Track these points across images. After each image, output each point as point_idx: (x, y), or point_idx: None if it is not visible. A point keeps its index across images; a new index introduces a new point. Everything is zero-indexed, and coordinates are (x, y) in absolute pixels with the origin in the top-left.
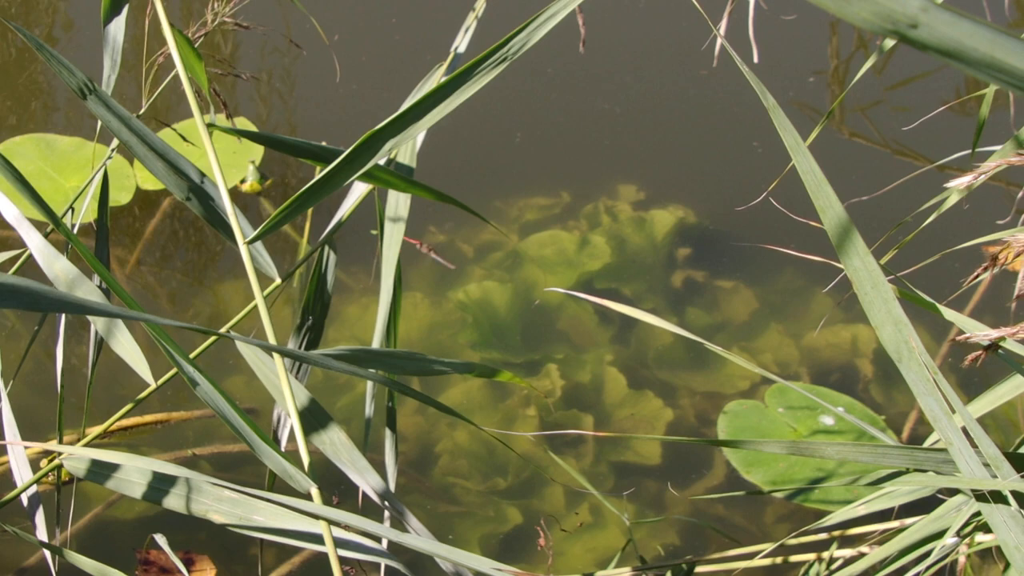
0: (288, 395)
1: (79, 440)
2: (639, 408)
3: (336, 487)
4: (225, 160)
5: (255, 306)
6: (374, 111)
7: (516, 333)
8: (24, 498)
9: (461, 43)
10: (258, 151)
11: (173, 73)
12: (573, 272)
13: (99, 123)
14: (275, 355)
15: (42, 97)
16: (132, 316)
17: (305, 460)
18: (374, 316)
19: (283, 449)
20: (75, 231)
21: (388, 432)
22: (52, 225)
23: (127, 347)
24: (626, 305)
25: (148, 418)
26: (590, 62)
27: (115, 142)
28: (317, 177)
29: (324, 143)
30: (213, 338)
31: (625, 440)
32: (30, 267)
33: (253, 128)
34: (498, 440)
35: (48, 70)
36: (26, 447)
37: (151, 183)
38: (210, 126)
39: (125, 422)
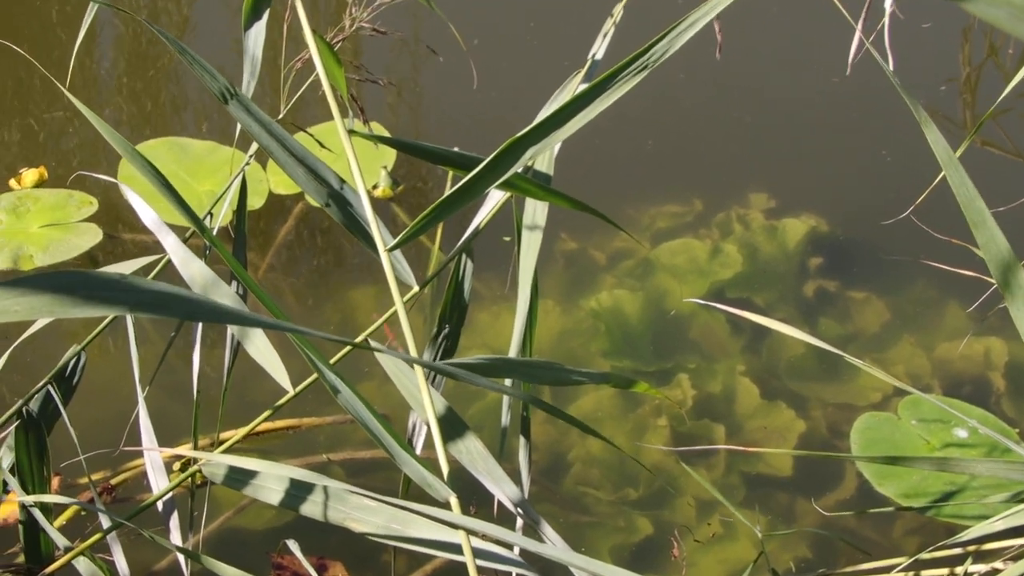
0: (428, 405)
1: (212, 445)
2: (771, 419)
3: (468, 495)
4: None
5: (392, 313)
6: (505, 116)
7: (647, 342)
8: (159, 503)
9: (599, 50)
10: (390, 157)
11: (312, 77)
12: (705, 281)
13: (237, 127)
14: (415, 365)
15: (170, 88)
16: (284, 327)
17: (444, 469)
18: (505, 323)
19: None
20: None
21: (523, 441)
22: (191, 230)
23: (265, 354)
24: (758, 315)
25: (280, 423)
26: (721, 68)
27: (253, 148)
28: (459, 184)
29: (456, 149)
30: (356, 341)
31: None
32: (164, 272)
33: (386, 133)
34: (629, 452)
35: (177, 66)
36: (163, 453)
37: (283, 187)
38: (351, 132)
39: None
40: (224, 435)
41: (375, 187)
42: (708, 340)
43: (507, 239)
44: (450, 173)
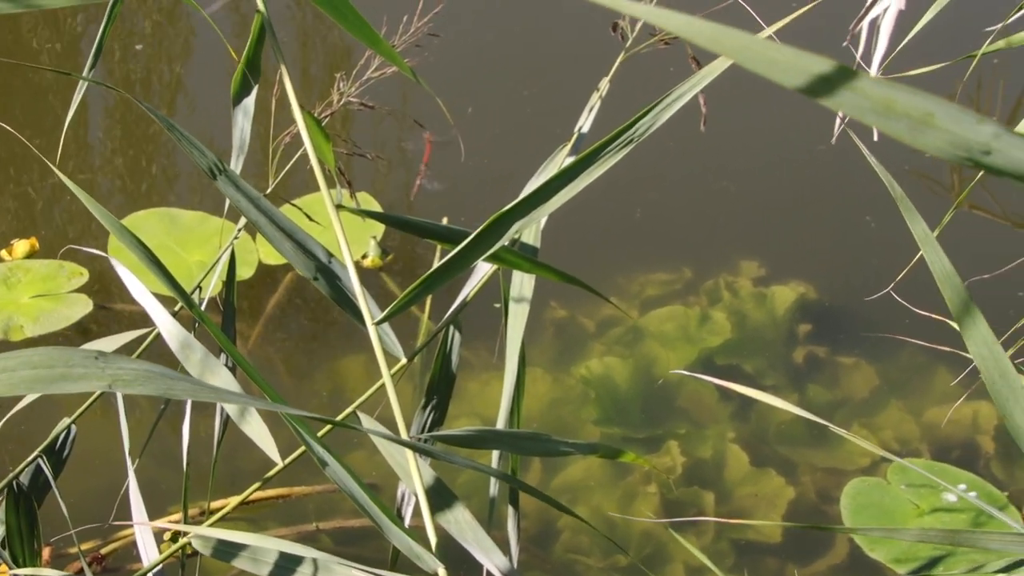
0: (416, 478)
1: (202, 514)
2: (760, 486)
3: (457, 565)
4: (347, 235)
5: (380, 385)
6: (501, 183)
7: (637, 409)
8: (149, 575)
9: (585, 123)
10: (379, 226)
11: (300, 152)
12: (694, 348)
13: (227, 201)
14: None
15: (161, 157)
16: (268, 407)
17: (432, 540)
18: (494, 392)
19: (407, 526)
20: (201, 308)
21: (511, 510)
22: (180, 303)
23: (255, 427)
24: (747, 383)
25: (270, 493)
26: (709, 137)
27: (242, 221)
28: (445, 259)
29: (445, 219)
30: (340, 418)
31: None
32: (155, 344)
33: (375, 203)
34: (618, 519)
35: (166, 136)
36: (152, 526)
37: (273, 258)
38: (339, 207)
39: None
40: (214, 505)
41: (364, 257)
42: (697, 407)
43: (497, 306)
44: (438, 246)
